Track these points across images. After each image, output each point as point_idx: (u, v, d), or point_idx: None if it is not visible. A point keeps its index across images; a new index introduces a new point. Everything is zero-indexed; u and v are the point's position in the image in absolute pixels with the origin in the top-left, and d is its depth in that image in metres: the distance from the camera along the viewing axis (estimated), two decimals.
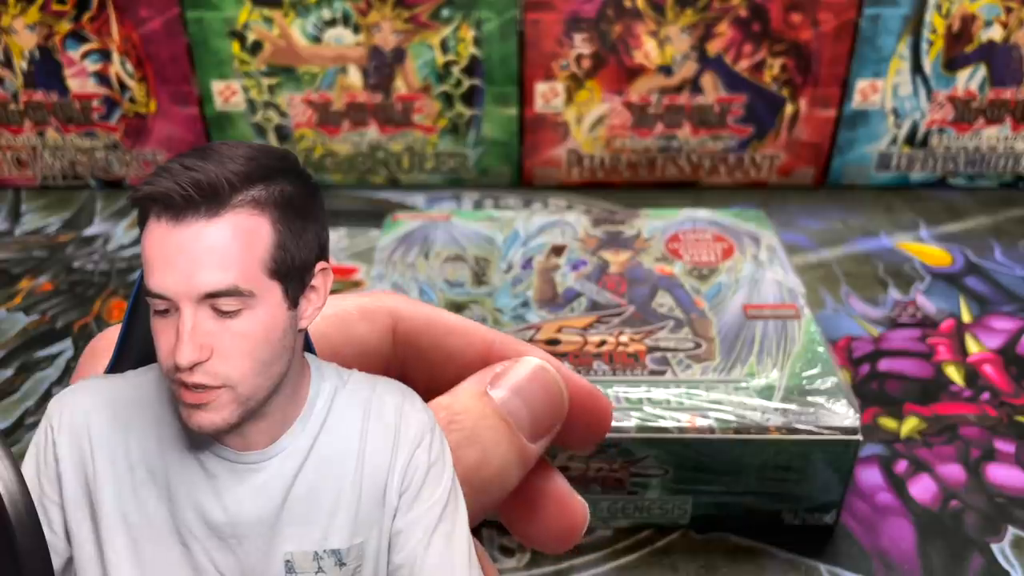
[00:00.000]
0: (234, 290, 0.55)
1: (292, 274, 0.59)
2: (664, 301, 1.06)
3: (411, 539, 0.63)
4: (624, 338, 0.99)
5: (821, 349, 1.01)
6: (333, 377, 0.66)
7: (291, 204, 0.59)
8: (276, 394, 0.61)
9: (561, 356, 0.97)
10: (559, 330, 0.97)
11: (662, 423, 0.90)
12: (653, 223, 1.25)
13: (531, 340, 0.96)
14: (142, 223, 0.57)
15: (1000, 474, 1.07)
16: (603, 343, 0.97)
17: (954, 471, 1.08)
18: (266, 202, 0.57)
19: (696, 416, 0.90)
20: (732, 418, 0.90)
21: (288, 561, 0.62)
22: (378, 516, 0.63)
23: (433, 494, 0.54)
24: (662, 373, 0.95)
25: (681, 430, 0.90)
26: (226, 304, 0.55)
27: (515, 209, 1.29)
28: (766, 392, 0.96)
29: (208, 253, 0.54)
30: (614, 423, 0.92)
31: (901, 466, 1.09)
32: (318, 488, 0.62)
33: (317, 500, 0.62)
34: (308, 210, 0.60)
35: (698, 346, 1.00)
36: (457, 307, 1.02)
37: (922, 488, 1.06)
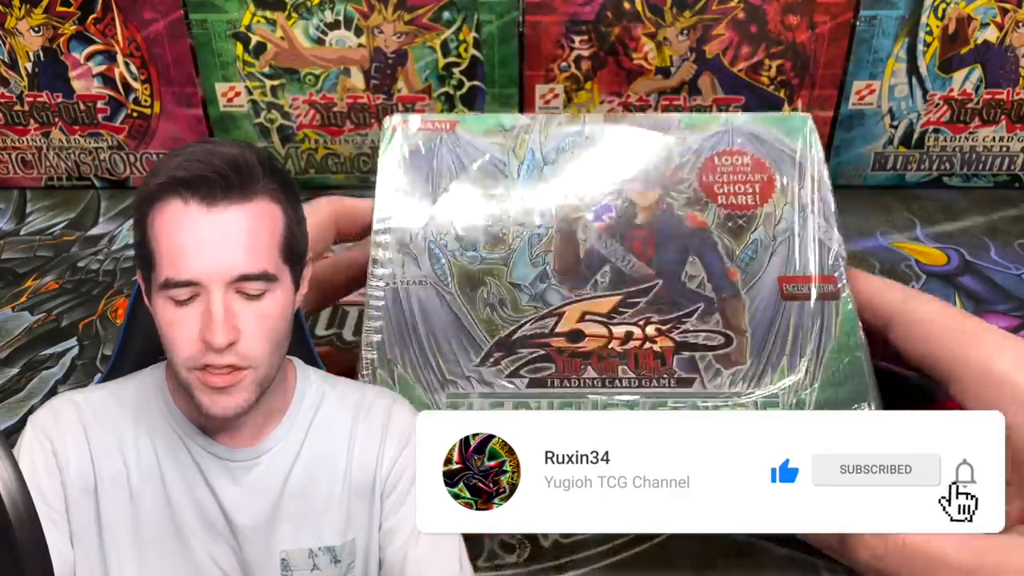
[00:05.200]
0: (264, 274, 0.57)
1: (298, 259, 0.61)
2: (695, 272, 1.02)
3: (400, 536, 0.64)
4: (651, 329, 0.95)
5: (854, 343, 0.93)
6: (319, 380, 0.68)
7: (292, 191, 0.61)
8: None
9: (585, 357, 0.92)
10: (582, 317, 0.95)
11: None
12: (686, 138, 1.11)
13: (552, 331, 0.93)
14: (149, 210, 0.58)
15: None
16: (628, 337, 0.94)
17: None
18: (278, 189, 0.59)
19: None
20: None
21: (284, 559, 0.63)
22: (368, 512, 0.65)
23: None
24: (689, 383, 0.93)
25: None
26: (254, 287, 0.57)
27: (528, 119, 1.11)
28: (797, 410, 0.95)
29: (242, 237, 0.56)
30: None
31: None
32: (310, 486, 0.63)
33: (310, 498, 0.63)
34: (299, 198, 0.63)
35: (728, 342, 0.96)
36: (472, 277, 0.92)
37: None
